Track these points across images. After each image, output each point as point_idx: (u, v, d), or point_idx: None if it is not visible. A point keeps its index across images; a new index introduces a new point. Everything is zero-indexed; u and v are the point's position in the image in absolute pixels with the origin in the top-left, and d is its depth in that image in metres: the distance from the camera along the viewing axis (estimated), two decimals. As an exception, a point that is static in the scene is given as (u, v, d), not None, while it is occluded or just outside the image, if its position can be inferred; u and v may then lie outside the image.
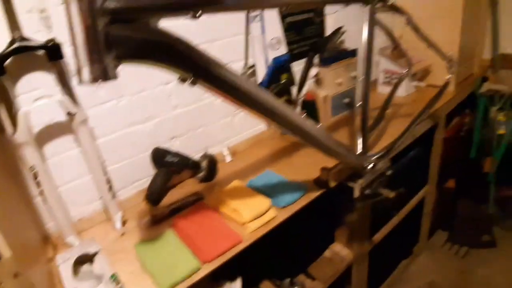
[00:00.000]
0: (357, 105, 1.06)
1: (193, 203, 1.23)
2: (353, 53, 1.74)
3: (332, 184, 1.16)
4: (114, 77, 0.55)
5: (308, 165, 1.31)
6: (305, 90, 1.65)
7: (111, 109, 1.18)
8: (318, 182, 1.21)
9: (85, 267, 0.98)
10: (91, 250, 1.00)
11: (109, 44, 0.53)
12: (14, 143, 0.96)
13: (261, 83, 1.41)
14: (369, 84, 1.04)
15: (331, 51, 1.66)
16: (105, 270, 0.93)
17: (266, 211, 1.08)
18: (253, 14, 1.32)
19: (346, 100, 1.72)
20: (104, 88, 1.15)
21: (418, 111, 1.42)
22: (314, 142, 0.92)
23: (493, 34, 2.10)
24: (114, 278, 0.90)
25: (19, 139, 0.95)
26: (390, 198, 1.10)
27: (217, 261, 0.96)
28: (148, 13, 0.56)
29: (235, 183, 1.23)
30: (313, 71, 1.65)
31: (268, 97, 0.77)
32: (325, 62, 1.64)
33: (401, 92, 1.89)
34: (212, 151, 1.45)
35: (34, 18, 0.98)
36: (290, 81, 1.48)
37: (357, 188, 1.08)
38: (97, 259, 0.98)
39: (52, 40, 0.98)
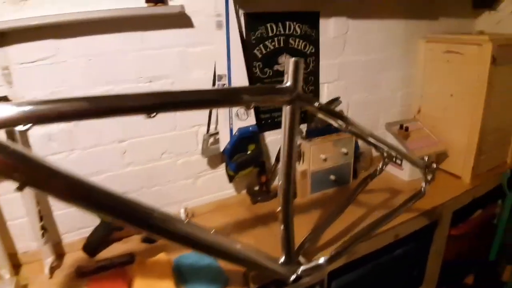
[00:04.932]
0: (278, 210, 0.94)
1: (121, 265, 1.20)
2: (349, 126, 1.59)
3: (252, 286, 1.05)
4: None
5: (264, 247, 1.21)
6: (283, 160, 1.55)
7: (61, 161, 1.22)
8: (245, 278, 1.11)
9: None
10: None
11: None
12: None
13: (223, 152, 1.35)
14: (289, 195, 0.92)
15: (322, 123, 1.54)
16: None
17: (167, 302, 1.01)
18: (220, 82, 1.28)
19: (332, 177, 1.58)
20: (57, 141, 1.20)
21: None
22: (206, 249, 0.84)
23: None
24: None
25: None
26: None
27: None
28: None
29: (161, 256, 1.18)
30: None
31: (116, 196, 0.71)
32: (310, 134, 1.53)
33: (404, 175, 1.68)
34: (168, 210, 1.42)
35: (-3, 74, 1.07)
36: (258, 152, 1.39)
37: (268, 300, 0.96)
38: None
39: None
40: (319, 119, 1.53)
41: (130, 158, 1.30)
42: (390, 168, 1.73)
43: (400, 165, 1.69)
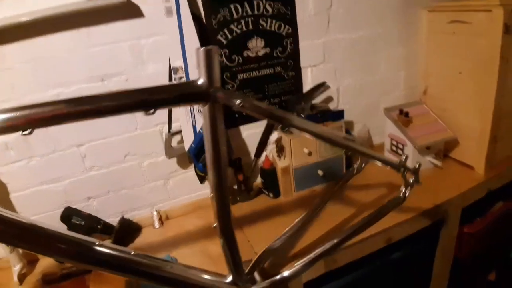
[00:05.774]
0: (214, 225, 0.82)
1: (83, 273, 1.16)
2: (337, 115, 1.42)
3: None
4: None
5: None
6: (263, 156, 1.41)
7: (22, 168, 1.19)
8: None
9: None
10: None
11: None
12: None
13: (188, 151, 1.25)
14: (225, 205, 0.79)
15: (304, 112, 1.38)
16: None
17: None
18: (177, 75, 1.17)
19: (321, 172, 1.43)
20: (14, 149, 1.16)
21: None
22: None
23: None
24: None
25: None
26: None
27: None
28: None
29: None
30: (275, 135, 1.41)
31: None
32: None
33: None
34: (140, 214, 1.36)
35: None
36: (228, 150, 1.27)
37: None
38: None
39: None
40: (301, 108, 1.38)
41: (91, 162, 1.24)
42: (388, 156, 1.53)
43: (398, 152, 1.49)
